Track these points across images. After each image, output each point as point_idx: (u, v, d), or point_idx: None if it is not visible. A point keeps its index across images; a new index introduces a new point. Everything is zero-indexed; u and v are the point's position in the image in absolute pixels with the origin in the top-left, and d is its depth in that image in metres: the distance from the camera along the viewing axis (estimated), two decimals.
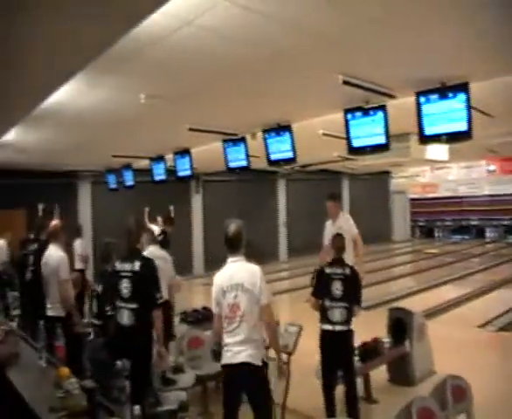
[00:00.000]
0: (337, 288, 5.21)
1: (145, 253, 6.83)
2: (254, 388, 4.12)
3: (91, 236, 15.19)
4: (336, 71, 5.54)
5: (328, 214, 7.17)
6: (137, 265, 4.90)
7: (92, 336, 5.23)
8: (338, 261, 5.42)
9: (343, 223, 6.92)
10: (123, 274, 4.95)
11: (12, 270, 9.17)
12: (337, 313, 5.17)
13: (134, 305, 4.84)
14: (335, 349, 5.21)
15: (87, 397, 2.96)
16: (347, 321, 5.17)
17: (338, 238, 5.59)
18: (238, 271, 4.17)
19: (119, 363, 3.20)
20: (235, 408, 4.16)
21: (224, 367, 4.19)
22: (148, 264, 5.04)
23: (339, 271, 5.31)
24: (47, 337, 4.25)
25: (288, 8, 4.00)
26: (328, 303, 5.24)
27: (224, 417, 4.23)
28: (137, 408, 2.42)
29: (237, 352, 4.08)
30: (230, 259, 4.25)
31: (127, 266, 4.96)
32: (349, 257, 6.46)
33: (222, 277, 4.23)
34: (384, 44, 4.83)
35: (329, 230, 7.04)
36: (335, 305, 5.19)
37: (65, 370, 3.58)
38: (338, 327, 5.16)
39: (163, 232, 8.43)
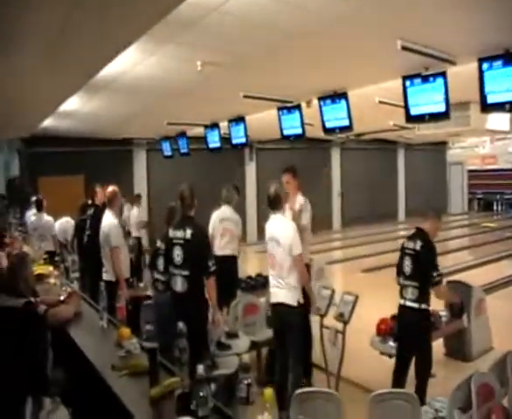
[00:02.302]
0: (407, 265, 4.88)
1: (217, 212, 7.18)
2: (290, 326, 4.87)
3: (146, 203, 15.47)
4: (395, 36, 5.34)
5: None
6: (189, 233, 4.96)
7: (160, 288, 5.63)
8: (415, 232, 5.02)
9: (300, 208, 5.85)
10: (175, 241, 5.03)
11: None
12: (409, 291, 4.85)
13: (186, 272, 4.93)
14: (405, 324, 4.99)
15: (148, 357, 3.03)
16: (417, 300, 4.81)
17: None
18: (276, 226, 4.98)
19: (180, 324, 3.28)
20: (282, 340, 5.00)
21: (270, 304, 5.19)
22: (200, 232, 5.11)
23: (410, 245, 4.93)
24: (108, 298, 4.36)
25: None
26: (402, 280, 4.96)
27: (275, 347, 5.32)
28: (201, 367, 2.45)
29: (276, 292, 4.98)
30: (271, 216, 5.06)
31: (179, 234, 5.03)
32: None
33: (267, 229, 5.11)
34: (445, 7, 4.60)
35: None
36: (407, 283, 4.88)
37: (127, 330, 3.69)
38: (409, 303, 4.86)
39: (227, 202, 8.32)
